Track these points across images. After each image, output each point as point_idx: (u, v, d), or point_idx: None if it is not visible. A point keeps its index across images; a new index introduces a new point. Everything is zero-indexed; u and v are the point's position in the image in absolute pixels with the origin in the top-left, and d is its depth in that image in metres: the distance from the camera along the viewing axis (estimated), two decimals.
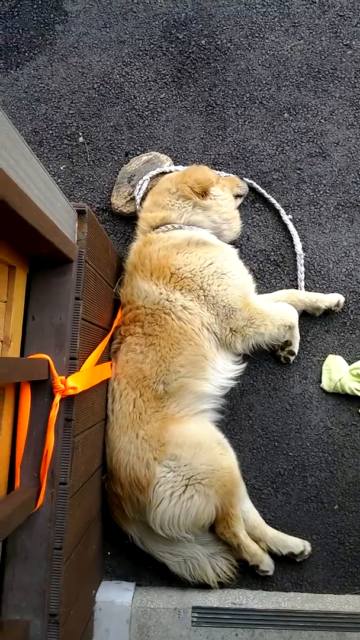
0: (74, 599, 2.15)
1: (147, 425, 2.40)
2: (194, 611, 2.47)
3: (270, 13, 3.09)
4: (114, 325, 2.55)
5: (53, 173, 3.03)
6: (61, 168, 3.06)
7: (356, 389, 2.66)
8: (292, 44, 3.05)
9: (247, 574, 2.59)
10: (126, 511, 2.44)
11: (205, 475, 2.35)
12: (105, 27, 3.16)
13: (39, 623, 1.92)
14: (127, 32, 3.14)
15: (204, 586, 2.53)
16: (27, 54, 3.16)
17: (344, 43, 3.03)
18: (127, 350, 2.48)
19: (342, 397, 2.72)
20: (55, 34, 3.18)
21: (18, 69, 3.15)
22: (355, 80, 2.99)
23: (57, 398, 1.92)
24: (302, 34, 3.06)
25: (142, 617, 2.48)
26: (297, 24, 3.06)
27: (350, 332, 2.77)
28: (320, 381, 2.74)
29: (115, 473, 2.44)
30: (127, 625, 2.46)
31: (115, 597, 2.53)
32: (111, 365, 2.51)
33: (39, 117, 3.10)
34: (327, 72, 3.01)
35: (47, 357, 1.95)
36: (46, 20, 3.19)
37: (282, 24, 3.07)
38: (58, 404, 1.92)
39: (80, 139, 3.08)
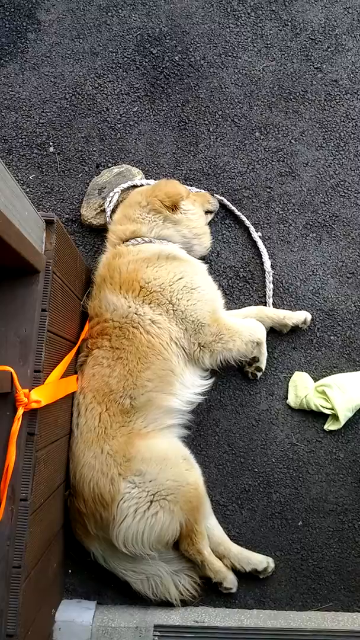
0: (32, 618, 2.09)
1: (113, 440, 2.36)
2: (156, 630, 2.43)
3: (244, 33, 3.14)
4: (81, 338, 2.52)
5: (22, 182, 2.99)
6: (30, 177, 3.02)
7: (321, 406, 2.69)
8: (264, 65, 3.11)
9: (210, 592, 2.56)
10: (89, 528, 2.40)
11: (170, 491, 2.33)
12: (79, 37, 3.16)
13: None
14: (101, 44, 3.15)
15: (166, 604, 2.50)
16: None
17: (315, 66, 3.10)
18: (94, 363, 2.45)
19: (308, 414, 2.75)
20: (28, 42, 3.15)
21: None
22: (325, 103, 3.06)
23: (20, 412, 1.88)
24: (274, 55, 3.12)
25: (102, 637, 2.43)
26: (269, 45, 3.12)
27: (317, 349, 2.81)
28: (286, 397, 2.76)
29: (78, 489, 2.39)
30: None
31: (76, 616, 2.47)
32: (77, 378, 2.47)
33: (9, 125, 3.06)
34: (298, 94, 3.07)
35: (11, 369, 1.90)
36: (18, 28, 3.17)
37: (255, 45, 3.13)
38: (20, 418, 1.88)
39: (51, 149, 3.05)
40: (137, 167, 2.97)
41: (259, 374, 2.74)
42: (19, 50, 3.14)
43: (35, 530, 2.04)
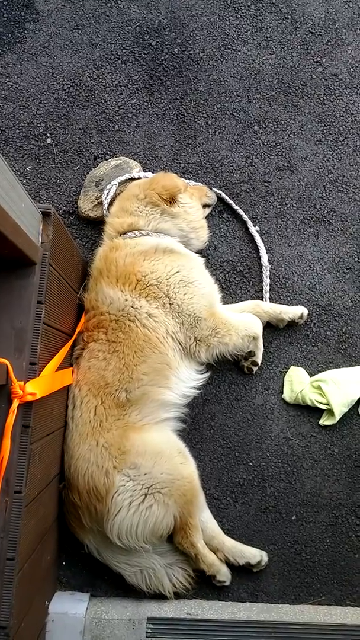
0: (25, 610, 2.09)
1: (108, 433, 2.36)
2: (149, 622, 2.44)
3: (243, 26, 3.12)
4: (77, 330, 2.51)
5: (18, 173, 2.97)
6: (27, 169, 3.00)
7: (317, 401, 2.70)
8: (263, 58, 3.09)
9: (203, 585, 2.57)
10: (83, 520, 2.40)
11: (165, 484, 2.33)
12: (77, 28, 3.13)
13: None
14: (99, 35, 3.12)
15: (159, 597, 2.51)
16: None
17: (315, 60, 3.08)
18: (90, 356, 2.45)
19: (303, 409, 2.75)
20: (26, 32, 3.12)
21: None
22: (325, 97, 3.04)
23: (15, 404, 1.87)
24: (273, 48, 3.10)
25: (95, 629, 2.44)
26: (269, 39, 3.11)
27: (313, 344, 2.81)
28: (282, 392, 2.77)
29: (73, 481, 2.39)
30: (81, 637, 2.42)
31: (69, 608, 2.48)
32: (72, 371, 2.47)
33: (6, 116, 3.03)
34: (297, 88, 3.06)
35: (6, 361, 1.90)
36: (16, 18, 3.14)
37: (255, 38, 3.11)
38: (15, 410, 1.87)
39: (48, 140, 3.03)
40: (134, 159, 2.95)
41: (255, 369, 2.74)
42: (17, 41, 3.12)
43: (29, 523, 2.04)
